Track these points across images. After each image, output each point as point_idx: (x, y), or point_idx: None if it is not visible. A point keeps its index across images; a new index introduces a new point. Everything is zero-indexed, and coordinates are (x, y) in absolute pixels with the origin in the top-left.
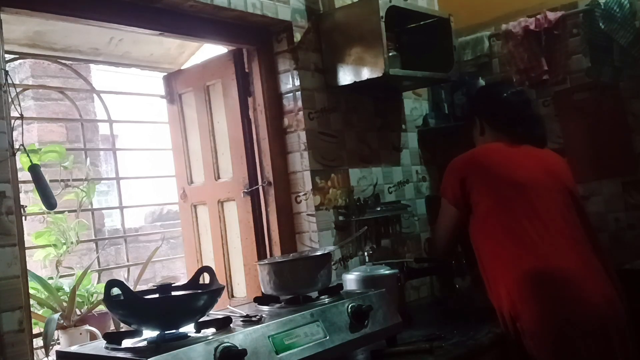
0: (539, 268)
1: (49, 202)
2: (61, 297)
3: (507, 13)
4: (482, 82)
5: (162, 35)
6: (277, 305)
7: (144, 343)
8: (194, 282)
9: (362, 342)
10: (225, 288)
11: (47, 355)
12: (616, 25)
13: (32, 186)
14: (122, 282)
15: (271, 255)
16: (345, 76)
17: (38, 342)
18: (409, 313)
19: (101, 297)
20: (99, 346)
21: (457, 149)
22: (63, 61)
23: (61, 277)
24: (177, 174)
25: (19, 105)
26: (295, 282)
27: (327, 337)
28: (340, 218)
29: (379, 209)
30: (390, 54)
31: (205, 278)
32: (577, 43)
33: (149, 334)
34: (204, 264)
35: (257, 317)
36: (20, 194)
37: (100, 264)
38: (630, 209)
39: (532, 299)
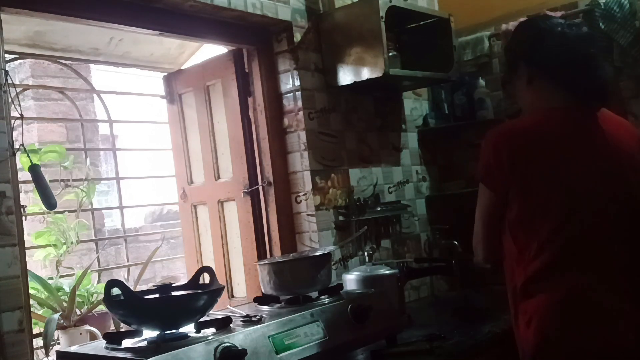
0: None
1: (49, 202)
2: (61, 297)
3: (507, 13)
4: (482, 82)
5: (162, 35)
6: (277, 305)
7: (144, 343)
8: (194, 282)
9: (362, 342)
10: (225, 288)
11: (47, 355)
12: (616, 25)
13: (32, 186)
14: (122, 282)
15: (271, 255)
16: (345, 76)
17: (38, 342)
18: (409, 313)
19: (101, 297)
20: (99, 346)
21: (457, 149)
22: (63, 61)
23: (61, 277)
24: (177, 174)
25: (19, 105)
26: (295, 282)
27: (327, 337)
28: (340, 218)
29: (379, 209)
30: (390, 54)
31: (205, 278)
32: None
33: (149, 334)
34: (204, 264)
35: (257, 317)
36: (20, 194)
37: (100, 264)
38: None
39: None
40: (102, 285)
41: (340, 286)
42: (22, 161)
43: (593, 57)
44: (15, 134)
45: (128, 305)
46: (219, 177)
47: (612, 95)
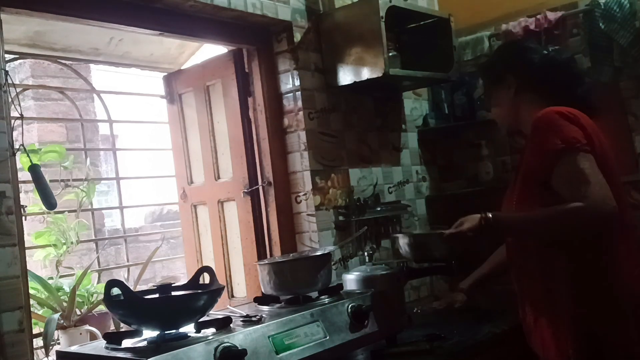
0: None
1: (49, 202)
2: (61, 297)
3: (507, 13)
4: (482, 82)
5: (162, 35)
6: (277, 305)
7: (144, 343)
8: (194, 282)
9: (362, 342)
10: (225, 288)
11: (47, 355)
12: (616, 25)
13: (32, 186)
14: (122, 282)
15: (271, 255)
16: (345, 76)
17: (38, 342)
18: (409, 313)
19: (101, 297)
20: (99, 346)
21: (457, 149)
22: (63, 61)
23: (61, 277)
24: (177, 174)
25: (19, 105)
26: (295, 282)
27: (327, 337)
28: (340, 218)
29: (379, 209)
30: (390, 54)
31: (205, 278)
32: (577, 43)
33: (149, 334)
34: (204, 264)
35: (257, 317)
36: (20, 194)
37: (100, 264)
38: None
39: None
40: (102, 285)
41: (340, 286)
42: (22, 161)
43: (576, 74)
44: (15, 134)
45: (128, 305)
46: (219, 177)
47: (596, 111)
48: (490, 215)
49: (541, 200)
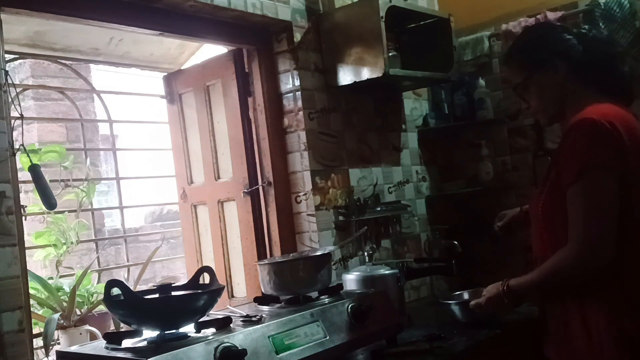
0: None
1: (49, 202)
2: (61, 297)
3: (507, 13)
4: (482, 82)
5: (162, 35)
6: (277, 305)
7: (144, 343)
8: (194, 282)
9: (362, 342)
10: (225, 288)
11: (47, 355)
12: (616, 25)
13: (32, 186)
14: (122, 282)
15: (271, 255)
16: (345, 76)
17: (38, 342)
18: (409, 313)
19: (101, 297)
20: (99, 346)
21: (457, 149)
22: (63, 61)
23: (61, 277)
24: (177, 174)
25: (19, 105)
26: (295, 282)
27: (327, 337)
28: (340, 218)
29: (379, 209)
30: (390, 54)
31: (205, 278)
32: None
33: (149, 334)
34: (204, 264)
35: (257, 317)
36: (20, 194)
37: (100, 264)
38: None
39: None
40: (102, 285)
41: (340, 286)
42: (22, 161)
43: (617, 57)
44: (15, 134)
45: (128, 305)
46: (219, 177)
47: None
48: (507, 287)
49: (564, 212)
